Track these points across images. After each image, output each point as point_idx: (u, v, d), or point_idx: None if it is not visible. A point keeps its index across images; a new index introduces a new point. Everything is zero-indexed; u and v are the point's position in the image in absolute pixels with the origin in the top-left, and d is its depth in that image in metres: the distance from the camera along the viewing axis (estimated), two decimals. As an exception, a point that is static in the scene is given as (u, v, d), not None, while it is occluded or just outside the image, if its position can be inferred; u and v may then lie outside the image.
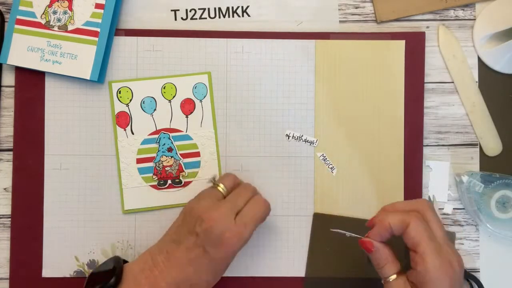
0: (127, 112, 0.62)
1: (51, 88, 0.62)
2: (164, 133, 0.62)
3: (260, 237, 0.62)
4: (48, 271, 0.61)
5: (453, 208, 0.63)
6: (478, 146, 0.63)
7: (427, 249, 0.47)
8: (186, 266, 0.51)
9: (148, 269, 0.52)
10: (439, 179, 0.63)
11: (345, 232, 0.52)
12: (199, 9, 0.63)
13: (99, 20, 0.60)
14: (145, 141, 0.62)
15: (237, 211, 0.53)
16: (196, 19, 0.63)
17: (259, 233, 0.62)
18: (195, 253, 0.52)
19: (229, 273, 0.62)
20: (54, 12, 0.61)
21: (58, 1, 0.61)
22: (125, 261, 0.55)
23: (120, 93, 0.62)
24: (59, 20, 0.61)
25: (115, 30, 0.62)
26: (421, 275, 0.47)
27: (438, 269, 0.46)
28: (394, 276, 0.49)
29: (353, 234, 0.51)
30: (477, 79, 0.63)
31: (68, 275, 0.61)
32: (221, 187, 0.56)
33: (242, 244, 0.52)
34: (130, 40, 0.62)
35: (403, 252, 0.62)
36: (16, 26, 0.61)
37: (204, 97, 0.62)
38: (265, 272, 0.62)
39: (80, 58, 0.60)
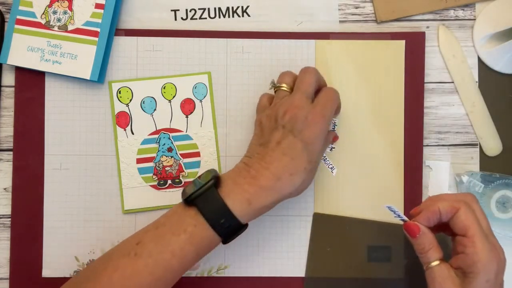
0: (127, 112, 0.62)
1: (51, 88, 0.62)
2: (164, 133, 0.62)
3: (260, 237, 0.62)
4: (48, 271, 0.61)
5: (453, 208, 0.63)
6: (478, 146, 0.63)
7: (478, 232, 0.47)
8: (281, 157, 0.51)
9: (245, 170, 0.52)
10: (439, 179, 0.63)
11: (395, 211, 0.51)
12: (199, 9, 0.63)
13: (99, 20, 0.60)
14: (145, 141, 0.62)
15: (311, 98, 0.54)
16: (196, 19, 0.63)
17: (259, 233, 0.62)
18: (287, 142, 0.52)
19: (230, 273, 0.62)
20: (54, 12, 0.61)
21: (58, 1, 0.61)
22: None
23: (120, 93, 0.62)
24: (59, 20, 0.61)
25: (115, 30, 0.62)
26: (470, 256, 0.47)
27: (488, 251, 0.47)
28: (437, 262, 0.49)
29: (403, 216, 0.51)
30: (477, 79, 0.63)
31: (68, 275, 0.61)
32: (284, 87, 0.56)
33: (327, 122, 0.53)
34: (130, 40, 0.62)
35: (402, 252, 0.62)
36: (16, 26, 0.61)
37: (204, 97, 0.62)
38: (265, 272, 0.62)
39: (80, 58, 0.60)
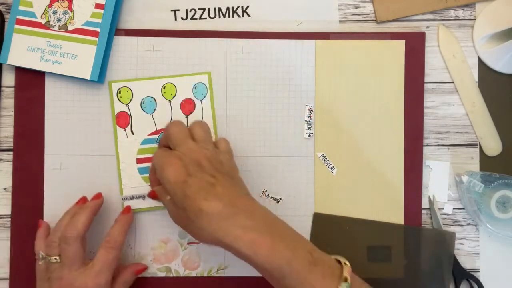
0: (127, 112, 0.62)
1: (51, 88, 0.62)
2: (164, 133, 0.62)
3: (260, 237, 0.62)
4: (48, 271, 0.61)
5: (453, 208, 0.63)
6: (478, 146, 0.63)
7: None
8: None
9: None
10: (439, 179, 0.63)
11: None
12: (199, 9, 0.63)
13: (99, 20, 0.60)
14: (145, 141, 0.62)
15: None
16: (196, 19, 0.63)
17: (259, 233, 0.62)
18: None
19: (230, 273, 0.62)
20: (54, 12, 0.61)
21: (58, 1, 0.61)
22: None
23: (120, 93, 0.62)
24: (59, 20, 0.61)
25: (115, 30, 0.62)
26: None
27: None
28: None
29: None
30: (477, 79, 0.63)
31: (68, 275, 0.61)
32: None
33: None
34: (130, 40, 0.62)
35: (402, 252, 0.62)
36: (16, 26, 0.61)
37: (204, 97, 0.62)
38: (265, 272, 0.62)
39: (80, 58, 0.60)
